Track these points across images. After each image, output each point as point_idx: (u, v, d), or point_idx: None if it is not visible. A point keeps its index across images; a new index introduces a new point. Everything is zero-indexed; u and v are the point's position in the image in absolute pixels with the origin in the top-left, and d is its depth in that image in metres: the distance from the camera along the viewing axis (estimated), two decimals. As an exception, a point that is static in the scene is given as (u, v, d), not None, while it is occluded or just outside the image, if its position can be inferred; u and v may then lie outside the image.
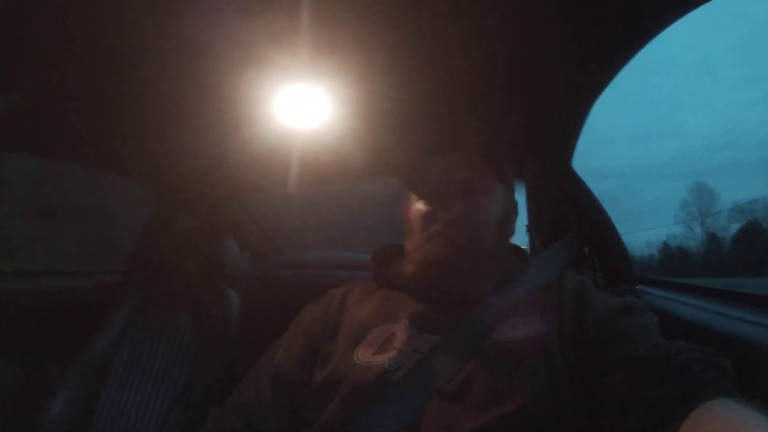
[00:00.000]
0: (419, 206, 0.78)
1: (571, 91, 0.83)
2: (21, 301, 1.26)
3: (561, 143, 1.02)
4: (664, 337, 0.59)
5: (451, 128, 0.86)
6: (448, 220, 0.72)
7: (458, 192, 0.75)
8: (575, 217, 1.15)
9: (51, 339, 1.22)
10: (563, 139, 1.00)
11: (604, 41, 0.67)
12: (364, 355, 0.66)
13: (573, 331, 0.64)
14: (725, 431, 0.39)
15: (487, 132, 0.92)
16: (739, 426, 0.39)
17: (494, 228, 0.75)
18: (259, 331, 0.99)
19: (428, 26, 0.68)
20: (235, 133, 1.02)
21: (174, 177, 1.33)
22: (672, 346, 0.54)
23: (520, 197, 1.35)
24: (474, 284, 0.73)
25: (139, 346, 1.15)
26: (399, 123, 0.96)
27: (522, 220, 1.42)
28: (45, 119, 0.93)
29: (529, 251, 1.33)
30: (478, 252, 0.73)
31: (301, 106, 0.92)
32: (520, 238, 1.44)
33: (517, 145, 1.07)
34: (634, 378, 0.52)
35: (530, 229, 1.41)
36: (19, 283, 1.32)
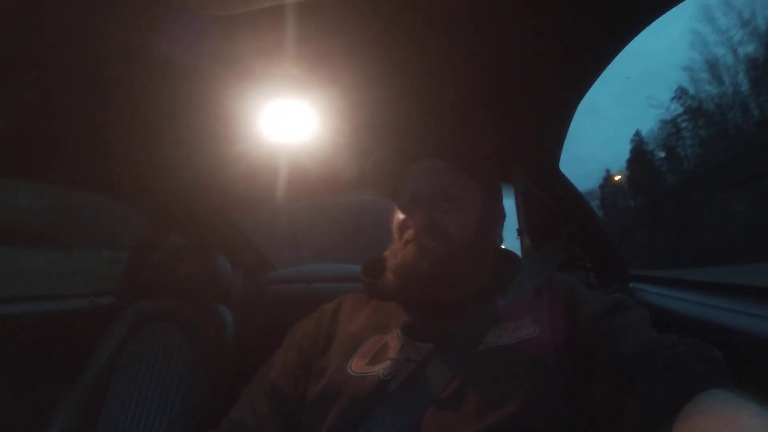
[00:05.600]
0: (398, 216, 0.80)
1: (554, 95, 0.83)
2: (15, 326, 1.23)
3: (547, 147, 1.03)
4: (657, 333, 0.59)
5: (426, 136, 0.86)
6: (419, 227, 0.74)
7: (432, 198, 0.76)
8: (564, 219, 1.16)
9: (46, 364, 1.20)
10: (549, 142, 1.01)
11: (584, 44, 0.68)
12: (358, 366, 0.66)
13: (565, 333, 0.64)
14: (720, 422, 0.39)
15: (465, 139, 0.93)
16: (734, 416, 0.39)
17: (471, 232, 0.76)
18: (253, 348, 0.98)
19: (412, 38, 0.68)
20: (222, 149, 1.01)
21: (162, 196, 1.32)
22: (662, 341, 0.55)
23: (510, 202, 1.37)
24: (448, 289, 0.74)
25: (134, 369, 1.13)
26: (384, 135, 0.97)
27: (513, 224, 1.43)
28: (30, 143, 0.92)
29: (521, 255, 1.33)
30: (452, 257, 0.73)
31: (288, 121, 0.92)
32: (513, 242, 1.45)
33: (504, 152, 1.08)
34: (627, 376, 0.52)
35: (521, 232, 1.42)
36: (12, 307, 1.30)
